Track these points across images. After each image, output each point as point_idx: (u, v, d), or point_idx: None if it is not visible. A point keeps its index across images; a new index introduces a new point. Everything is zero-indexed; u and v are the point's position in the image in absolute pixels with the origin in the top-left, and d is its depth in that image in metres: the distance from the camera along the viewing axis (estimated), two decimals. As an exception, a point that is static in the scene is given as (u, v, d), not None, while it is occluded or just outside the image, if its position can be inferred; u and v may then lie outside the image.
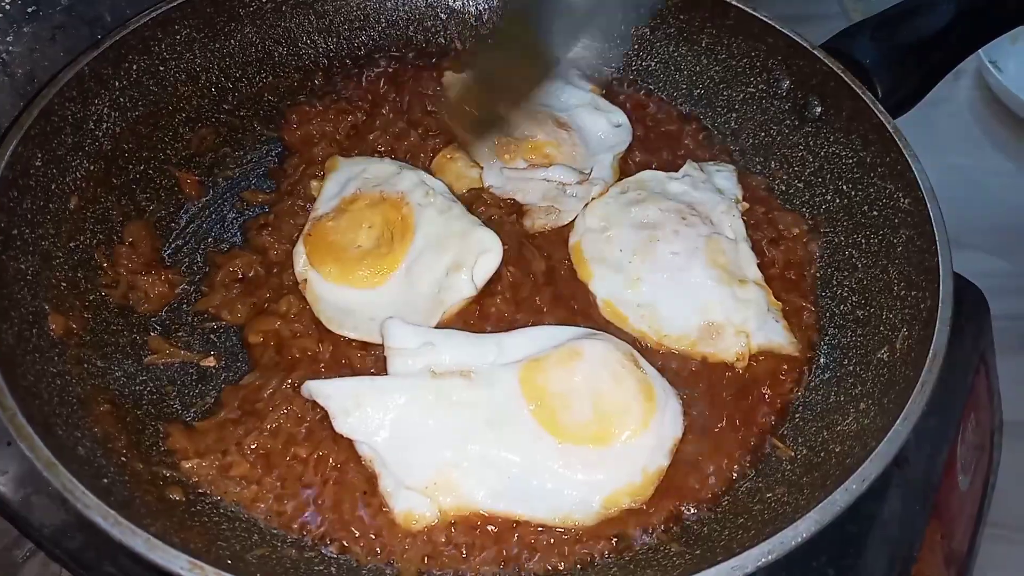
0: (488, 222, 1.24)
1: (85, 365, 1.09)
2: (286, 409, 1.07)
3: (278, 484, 1.04)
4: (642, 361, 1.12)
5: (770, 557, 0.86)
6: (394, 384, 1.07)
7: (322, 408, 1.05)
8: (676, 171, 1.36)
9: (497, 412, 1.05)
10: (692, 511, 1.05)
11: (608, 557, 1.01)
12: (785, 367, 1.18)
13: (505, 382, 1.07)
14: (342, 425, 1.04)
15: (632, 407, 1.06)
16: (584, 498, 1.03)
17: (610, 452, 1.04)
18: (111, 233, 1.22)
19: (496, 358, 1.10)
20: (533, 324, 1.18)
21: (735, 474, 1.09)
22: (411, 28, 1.57)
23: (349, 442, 1.05)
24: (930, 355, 1.01)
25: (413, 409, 1.05)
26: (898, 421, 0.96)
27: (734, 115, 1.47)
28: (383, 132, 1.38)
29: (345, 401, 1.05)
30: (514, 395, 1.06)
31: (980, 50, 2.12)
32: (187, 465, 1.03)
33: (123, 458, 1.01)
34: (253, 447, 1.05)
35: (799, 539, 0.87)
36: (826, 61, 1.33)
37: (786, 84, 1.40)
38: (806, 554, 1.08)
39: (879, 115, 1.26)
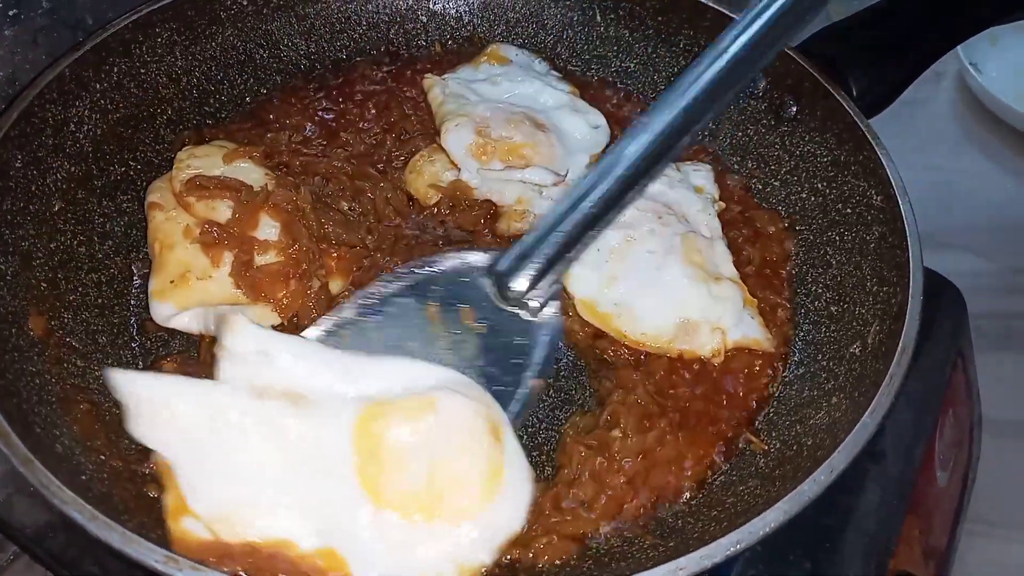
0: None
1: (64, 365, 1.09)
2: None
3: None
4: (508, 436, 0.97)
5: (739, 546, 0.87)
6: (209, 393, 0.92)
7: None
8: (653, 170, 1.37)
9: (316, 455, 0.90)
10: (667, 505, 1.06)
11: (582, 552, 1.02)
12: (760, 363, 1.19)
13: (338, 421, 0.91)
14: (134, 428, 0.91)
15: (468, 487, 0.92)
16: (387, 571, 0.89)
17: (429, 531, 0.90)
18: (92, 234, 1.23)
19: (341, 385, 0.95)
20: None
21: (710, 468, 1.10)
22: (392, 31, 1.58)
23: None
24: (899, 349, 1.02)
25: (219, 428, 0.90)
26: (866, 413, 0.97)
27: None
28: (359, 133, 1.40)
29: (145, 402, 0.91)
30: (343, 439, 0.91)
31: (961, 53, 2.16)
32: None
33: (102, 456, 1.01)
34: None
35: (768, 529, 0.88)
36: (801, 62, 1.34)
37: (762, 84, 1.42)
38: (783, 547, 1.10)
39: (852, 114, 1.27)
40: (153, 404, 0.90)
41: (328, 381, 0.94)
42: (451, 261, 1.13)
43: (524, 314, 1.08)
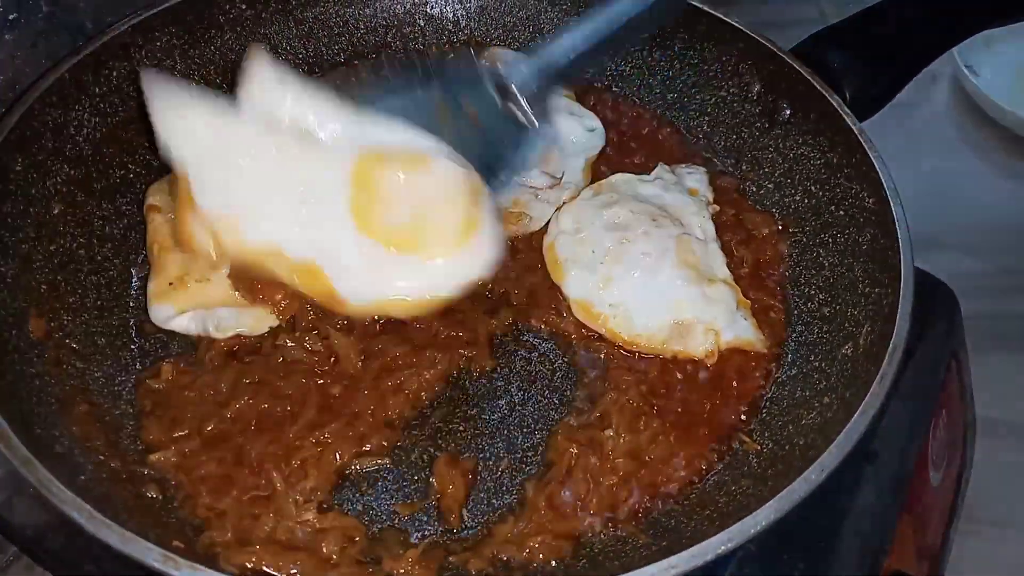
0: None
1: (64, 366, 1.11)
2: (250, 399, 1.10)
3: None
4: (486, 203, 1.09)
5: (730, 545, 0.88)
6: (229, 111, 1.03)
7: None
8: (648, 174, 1.38)
9: (315, 181, 1.03)
10: (660, 504, 1.07)
11: (575, 550, 1.03)
12: (753, 364, 1.20)
13: (339, 156, 1.03)
14: (158, 128, 1.02)
15: (444, 232, 1.06)
16: (361, 288, 1.05)
17: (402, 261, 1.05)
18: (91, 237, 1.24)
19: (347, 131, 1.04)
20: None
21: (703, 468, 1.11)
22: (389, 35, 1.59)
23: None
24: (890, 349, 1.03)
25: (234, 143, 1.02)
26: (857, 413, 0.98)
27: (706, 118, 1.49)
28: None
29: (172, 104, 1.02)
30: (341, 172, 1.03)
31: (956, 55, 2.16)
32: (153, 458, 1.05)
33: (101, 456, 1.03)
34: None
35: (758, 527, 0.89)
36: (794, 65, 1.35)
37: (756, 88, 1.43)
38: (777, 547, 1.10)
39: (845, 118, 1.28)
40: (178, 107, 1.01)
41: (337, 126, 1.03)
42: (463, 62, 1.22)
43: (522, 121, 1.16)
